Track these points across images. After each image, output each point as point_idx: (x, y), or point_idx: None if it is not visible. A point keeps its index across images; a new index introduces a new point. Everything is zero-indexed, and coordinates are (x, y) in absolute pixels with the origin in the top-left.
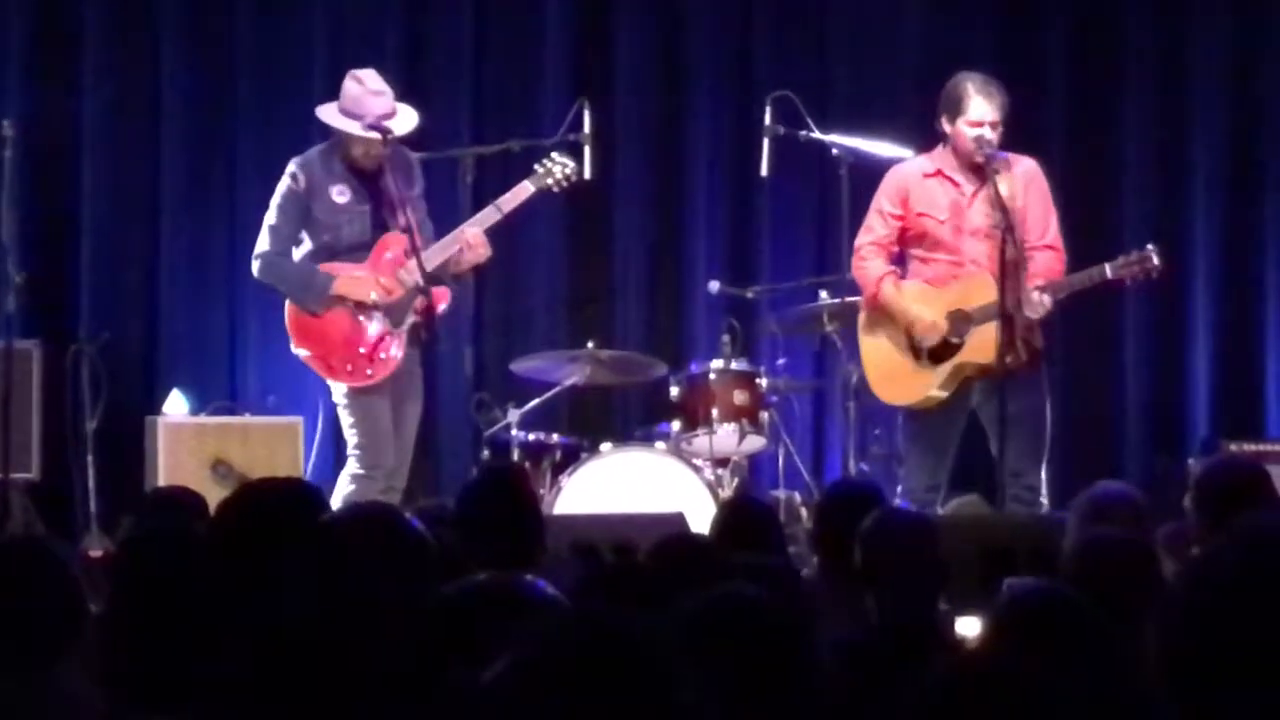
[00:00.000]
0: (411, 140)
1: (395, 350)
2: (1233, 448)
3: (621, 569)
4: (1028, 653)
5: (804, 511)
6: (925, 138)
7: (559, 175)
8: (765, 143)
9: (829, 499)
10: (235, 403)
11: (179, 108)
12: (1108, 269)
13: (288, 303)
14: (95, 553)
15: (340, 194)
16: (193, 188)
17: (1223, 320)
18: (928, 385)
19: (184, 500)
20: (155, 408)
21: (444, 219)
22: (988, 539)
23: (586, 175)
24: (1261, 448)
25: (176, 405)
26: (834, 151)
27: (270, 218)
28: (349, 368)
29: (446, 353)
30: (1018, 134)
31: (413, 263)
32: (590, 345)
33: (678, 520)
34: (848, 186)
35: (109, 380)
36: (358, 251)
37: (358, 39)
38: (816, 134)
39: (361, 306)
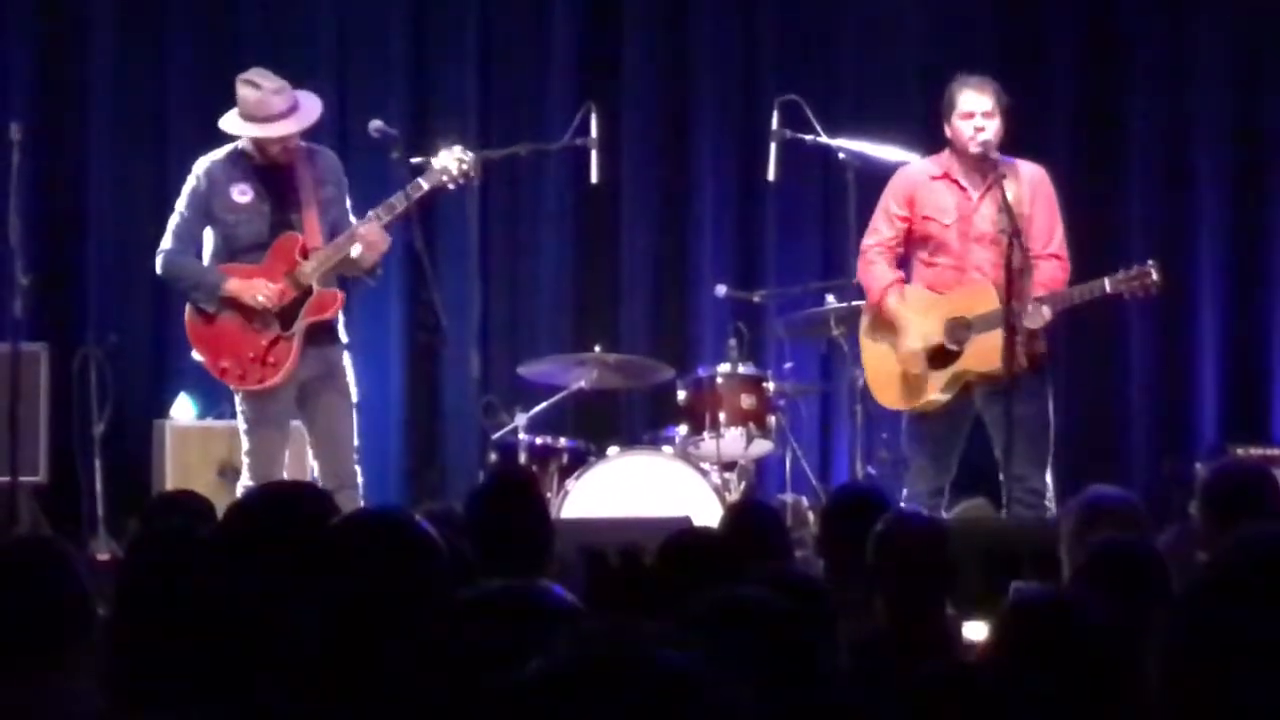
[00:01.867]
0: (419, 143)
1: (288, 355)
2: (1239, 452)
3: (628, 573)
4: (1033, 657)
5: (810, 515)
6: (931, 142)
7: (455, 171)
8: (772, 147)
9: (835, 503)
10: None
11: (185, 111)
12: (1107, 283)
13: (187, 305)
14: (103, 556)
15: (242, 193)
16: None
17: (1229, 325)
18: (928, 391)
19: (190, 504)
20: (163, 411)
21: (451, 223)
22: (993, 543)
23: (593, 180)
24: (1268, 452)
25: (184, 409)
26: (841, 156)
27: (173, 216)
28: (240, 373)
29: (453, 356)
30: (1022, 140)
31: (306, 265)
32: (597, 349)
33: (685, 524)
34: (854, 190)
35: (116, 384)
36: (256, 251)
37: (363, 43)
38: (823, 138)
39: (252, 310)
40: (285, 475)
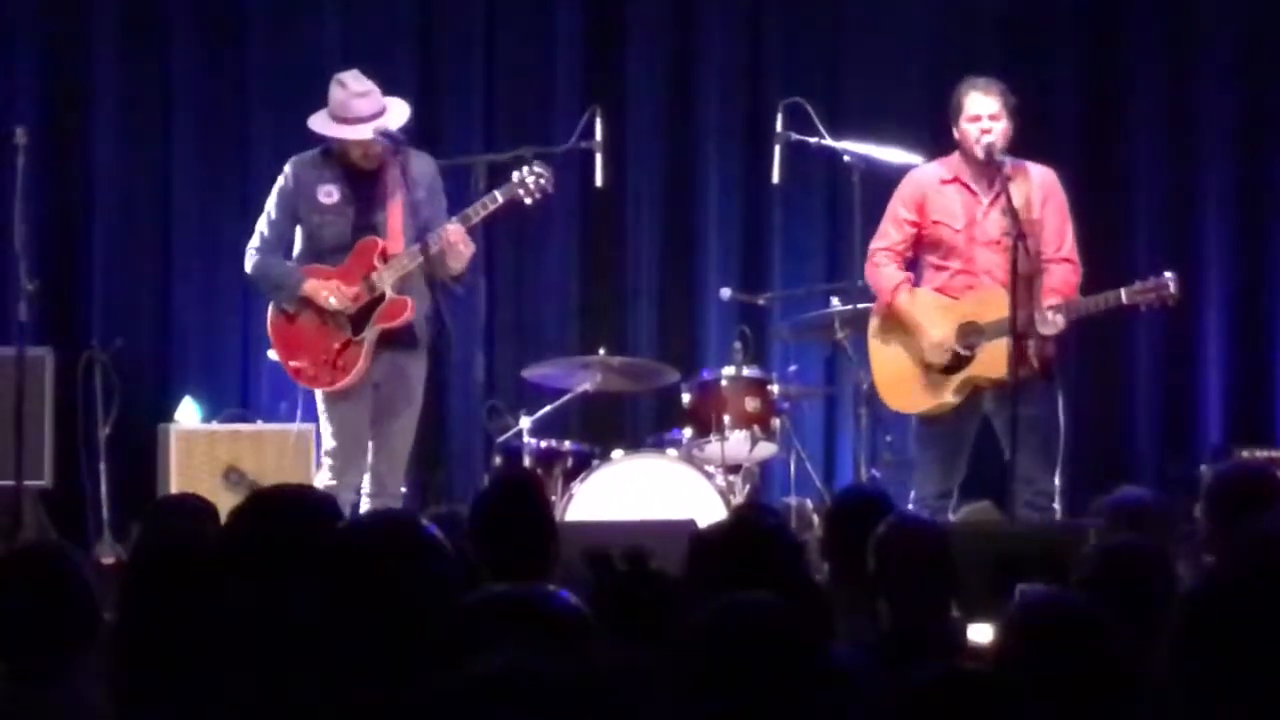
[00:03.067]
0: (425, 147)
1: (357, 360)
2: (1244, 454)
3: (633, 576)
4: (1040, 659)
5: (815, 518)
6: (935, 144)
7: (531, 185)
8: (777, 150)
9: (839, 506)
10: (247, 410)
11: (191, 117)
12: (1123, 294)
13: (270, 304)
14: (107, 560)
15: (327, 195)
16: (205, 196)
17: (1234, 327)
18: (938, 394)
19: (192, 507)
20: (167, 415)
21: None
22: (1000, 546)
23: (598, 183)
24: (1273, 454)
25: (188, 413)
26: (845, 158)
27: (262, 215)
28: (313, 374)
29: (458, 359)
30: (1028, 147)
31: (383, 270)
32: (602, 352)
33: (690, 527)
34: (859, 193)
35: (121, 388)
36: (340, 253)
37: (370, 46)
38: (828, 141)
39: (327, 312)
40: (367, 477)
